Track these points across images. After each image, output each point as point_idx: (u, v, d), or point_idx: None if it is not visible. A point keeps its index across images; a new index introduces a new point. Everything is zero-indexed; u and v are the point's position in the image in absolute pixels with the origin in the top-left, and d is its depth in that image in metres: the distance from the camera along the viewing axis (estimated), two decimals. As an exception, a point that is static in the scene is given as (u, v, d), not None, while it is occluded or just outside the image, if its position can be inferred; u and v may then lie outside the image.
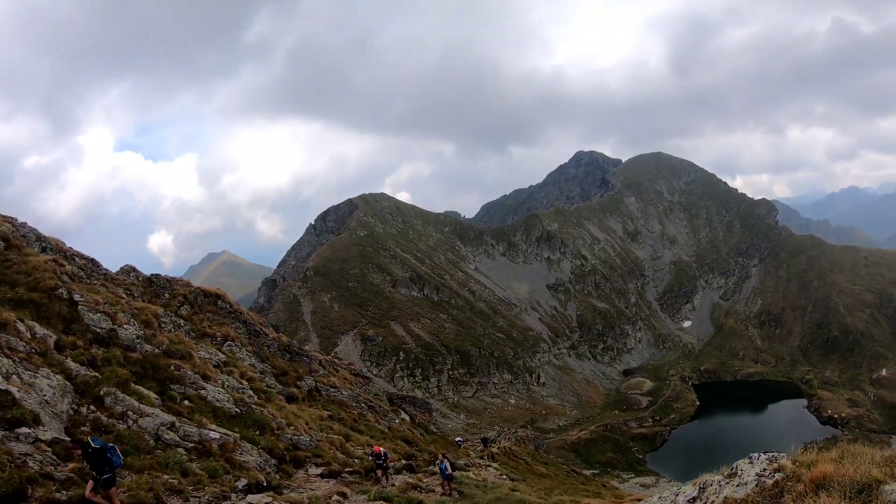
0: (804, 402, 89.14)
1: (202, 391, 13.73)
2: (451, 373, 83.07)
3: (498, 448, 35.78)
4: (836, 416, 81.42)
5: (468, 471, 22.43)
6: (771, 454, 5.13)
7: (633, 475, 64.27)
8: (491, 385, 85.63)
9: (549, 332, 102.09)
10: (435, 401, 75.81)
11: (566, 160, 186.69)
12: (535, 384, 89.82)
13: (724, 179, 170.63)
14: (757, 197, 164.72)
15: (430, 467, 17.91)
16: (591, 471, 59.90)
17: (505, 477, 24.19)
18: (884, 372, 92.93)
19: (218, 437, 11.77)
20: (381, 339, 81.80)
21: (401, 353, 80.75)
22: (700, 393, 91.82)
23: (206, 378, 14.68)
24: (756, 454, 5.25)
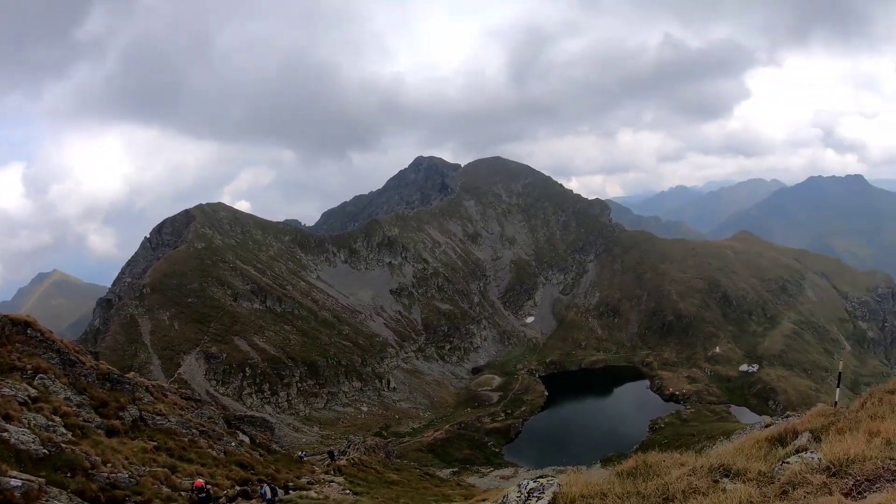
0: (647, 382, 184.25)
1: (4, 434, 21.52)
2: (299, 385, 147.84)
3: (346, 460, 64.10)
4: (677, 392, 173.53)
5: (310, 489, 41.83)
6: (539, 480, 10.82)
7: (491, 469, 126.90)
8: (342, 394, 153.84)
9: (395, 336, 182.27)
10: (286, 415, 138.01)
11: (406, 165, 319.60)
12: (385, 389, 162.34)
13: (559, 181, 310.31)
14: (591, 197, 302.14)
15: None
16: (451, 469, 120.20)
17: (349, 492, 45.35)
18: (717, 349, 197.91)
19: (20, 484, 18.48)
20: (224, 355, 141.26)
21: (247, 368, 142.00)
22: (548, 384, 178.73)
23: (8, 418, 23.29)
24: (525, 482, 10.76)
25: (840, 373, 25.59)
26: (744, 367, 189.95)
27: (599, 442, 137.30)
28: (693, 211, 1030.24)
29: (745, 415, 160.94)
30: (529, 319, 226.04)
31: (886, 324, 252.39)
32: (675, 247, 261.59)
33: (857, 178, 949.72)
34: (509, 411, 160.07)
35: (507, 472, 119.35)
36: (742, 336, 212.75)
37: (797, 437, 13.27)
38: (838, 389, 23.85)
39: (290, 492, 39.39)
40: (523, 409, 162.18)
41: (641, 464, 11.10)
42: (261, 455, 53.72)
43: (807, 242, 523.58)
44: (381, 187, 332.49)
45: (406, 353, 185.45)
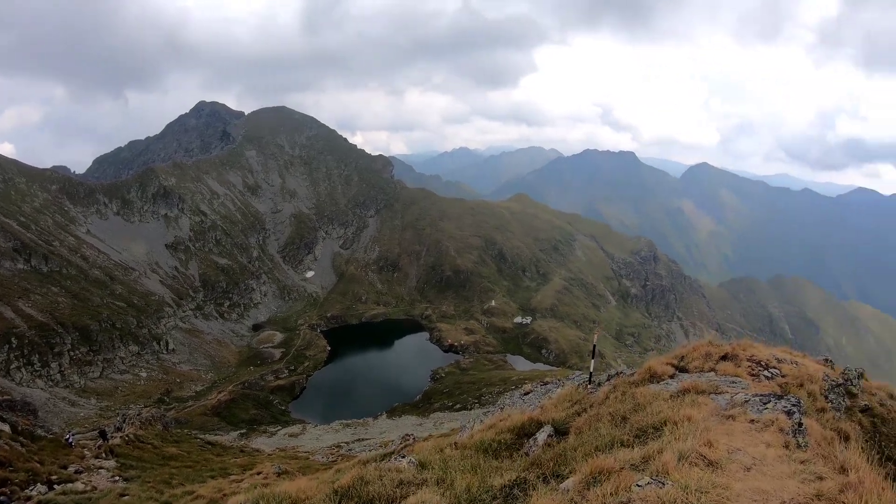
0: (426, 334, 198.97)
1: None
2: (72, 354, 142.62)
3: (121, 438, 60.47)
4: (455, 343, 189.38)
5: (77, 480, 39.36)
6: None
7: (279, 427, 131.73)
8: (118, 361, 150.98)
9: (172, 294, 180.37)
10: (60, 388, 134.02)
11: (187, 110, 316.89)
12: (164, 352, 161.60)
13: (344, 135, 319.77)
14: (375, 153, 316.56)
15: (28, 490, 31.65)
16: (238, 431, 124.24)
17: (118, 478, 43.45)
18: (493, 303, 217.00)
19: None
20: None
21: (13, 339, 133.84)
22: (330, 338, 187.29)
23: None
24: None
25: (594, 346, 28.92)
26: (518, 320, 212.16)
27: (384, 393, 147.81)
28: (474, 172, 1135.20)
29: (519, 362, 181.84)
30: (310, 274, 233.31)
31: (647, 282, 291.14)
32: (454, 205, 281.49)
33: (629, 155, 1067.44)
34: (293, 368, 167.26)
35: (295, 429, 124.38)
36: (517, 291, 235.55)
37: (541, 427, 15.96)
38: (592, 361, 26.90)
39: (55, 487, 37.77)
40: (307, 364, 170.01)
41: (358, 480, 11.97)
42: (23, 445, 49.07)
43: (580, 208, 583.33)
44: (159, 133, 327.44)
45: (184, 311, 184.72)
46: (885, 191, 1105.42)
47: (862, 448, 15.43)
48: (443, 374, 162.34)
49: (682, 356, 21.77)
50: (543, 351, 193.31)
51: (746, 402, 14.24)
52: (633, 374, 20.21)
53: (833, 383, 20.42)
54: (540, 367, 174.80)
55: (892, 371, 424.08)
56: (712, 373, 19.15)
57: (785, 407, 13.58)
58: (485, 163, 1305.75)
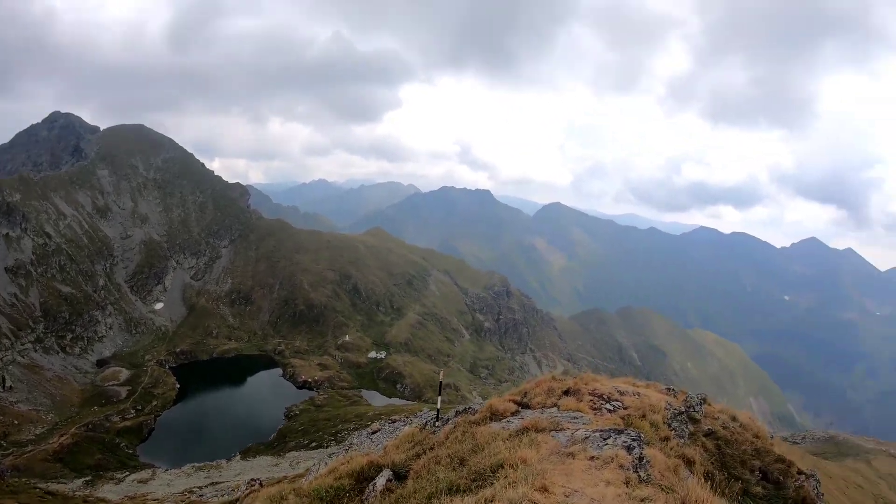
0: (280, 370, 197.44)
1: None
2: None
3: None
4: (309, 379, 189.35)
5: None
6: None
7: (127, 473, 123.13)
8: None
9: (10, 324, 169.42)
10: None
11: (40, 120, 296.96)
12: (1, 390, 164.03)
13: (202, 160, 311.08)
14: (233, 180, 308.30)
15: None
16: (83, 479, 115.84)
17: None
18: (347, 338, 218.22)
19: None
20: None
21: None
22: (179, 375, 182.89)
23: None
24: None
25: (441, 382, 29.73)
26: (373, 354, 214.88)
27: (238, 433, 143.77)
28: (333, 205, 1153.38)
29: (375, 398, 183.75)
30: (158, 306, 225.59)
31: (501, 316, 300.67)
32: (310, 238, 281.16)
33: (485, 193, 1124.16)
34: (140, 407, 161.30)
35: (144, 474, 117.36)
36: (371, 325, 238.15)
37: (381, 471, 16.07)
38: (439, 398, 27.29)
39: None
40: (155, 403, 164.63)
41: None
42: None
43: (436, 243, 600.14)
44: (7, 142, 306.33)
45: (23, 344, 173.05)
46: (725, 229, 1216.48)
47: (707, 471, 18.44)
48: (297, 412, 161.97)
49: (525, 392, 22.69)
50: (399, 385, 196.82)
51: (587, 438, 14.55)
52: (475, 413, 20.19)
53: (676, 411, 21.79)
54: (396, 401, 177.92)
55: (736, 391, 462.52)
56: (555, 408, 19.90)
57: (625, 442, 13.89)
58: (344, 196, 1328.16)
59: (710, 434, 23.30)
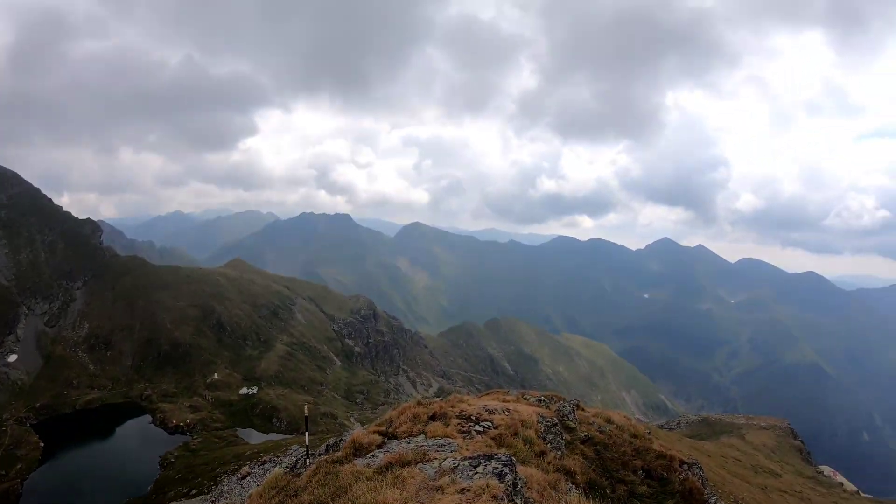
0: (149, 417, 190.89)
1: None
2: None
3: None
4: (181, 423, 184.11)
5: None
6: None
7: None
8: None
9: None
10: None
11: None
12: None
13: (50, 195, 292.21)
14: (83, 216, 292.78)
15: None
16: None
17: None
18: (216, 376, 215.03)
19: None
20: None
21: None
22: (42, 432, 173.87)
23: None
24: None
25: (306, 417, 29.68)
26: (244, 391, 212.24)
27: (112, 490, 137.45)
28: (190, 238, 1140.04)
29: (252, 435, 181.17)
30: (12, 358, 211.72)
31: (370, 340, 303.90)
32: (169, 274, 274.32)
33: (345, 217, 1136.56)
34: (4, 472, 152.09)
35: None
36: (239, 361, 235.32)
37: None
38: (307, 434, 26.40)
39: None
40: (19, 466, 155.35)
41: None
42: None
43: (297, 271, 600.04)
44: None
45: None
46: (583, 237, 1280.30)
47: (590, 479, 19.38)
48: (172, 459, 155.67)
49: (391, 421, 21.56)
50: (274, 420, 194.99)
51: (455, 468, 13.95)
52: (338, 451, 19.16)
53: (549, 423, 22.01)
54: (273, 436, 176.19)
55: (608, 387, 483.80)
56: (422, 436, 19.00)
57: (496, 468, 13.36)
58: (201, 227, 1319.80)
59: (587, 441, 23.89)
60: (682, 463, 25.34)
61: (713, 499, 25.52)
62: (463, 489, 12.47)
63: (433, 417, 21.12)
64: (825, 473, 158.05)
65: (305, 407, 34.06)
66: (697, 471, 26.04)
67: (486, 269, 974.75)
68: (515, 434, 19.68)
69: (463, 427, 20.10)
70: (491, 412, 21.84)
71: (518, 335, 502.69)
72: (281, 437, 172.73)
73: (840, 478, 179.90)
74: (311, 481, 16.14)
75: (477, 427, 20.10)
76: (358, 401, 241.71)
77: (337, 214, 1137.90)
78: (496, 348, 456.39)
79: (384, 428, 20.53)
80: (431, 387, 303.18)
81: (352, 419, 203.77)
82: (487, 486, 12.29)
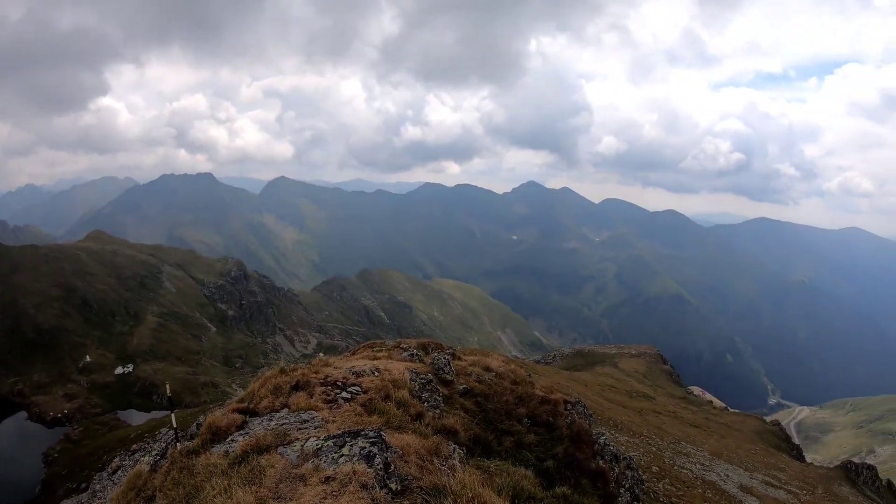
0: (24, 413, 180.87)
1: None
2: None
3: None
4: (59, 414, 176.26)
5: None
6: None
7: None
8: None
9: None
10: None
11: None
12: None
13: None
14: None
15: None
16: None
17: None
18: (88, 358, 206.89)
19: None
20: None
21: None
22: None
23: None
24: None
25: (169, 397, 25.81)
26: (119, 370, 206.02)
27: None
28: (44, 212, 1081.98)
29: (134, 416, 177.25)
30: None
31: (243, 302, 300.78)
32: (26, 254, 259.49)
33: (207, 176, 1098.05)
34: None
35: None
36: (110, 339, 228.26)
37: None
38: (172, 415, 23.85)
39: None
40: None
41: None
42: None
43: (162, 237, 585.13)
44: None
45: None
46: (449, 183, 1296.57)
47: (473, 435, 18.65)
48: (56, 454, 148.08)
49: (252, 395, 19.71)
50: (154, 397, 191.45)
51: (319, 450, 12.70)
52: (194, 442, 16.40)
53: (424, 380, 20.52)
54: (156, 414, 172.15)
55: (483, 328, 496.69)
56: (285, 410, 17.38)
57: (363, 448, 12.24)
58: (55, 199, 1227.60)
59: (466, 393, 22.37)
60: (567, 403, 25.08)
61: (602, 438, 25.37)
62: (328, 477, 11.39)
63: (296, 387, 19.14)
64: (695, 393, 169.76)
65: (167, 386, 31.56)
66: (581, 409, 26.24)
67: (354, 220, 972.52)
68: (387, 397, 18.21)
69: (329, 395, 18.39)
70: (359, 375, 20.08)
71: (390, 284, 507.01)
72: (163, 413, 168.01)
73: (709, 396, 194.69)
74: (165, 480, 14.49)
75: (344, 394, 18.40)
76: (237, 366, 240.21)
77: (199, 174, 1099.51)
78: (370, 299, 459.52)
79: (245, 404, 18.43)
80: (310, 343, 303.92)
81: (234, 385, 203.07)
82: (354, 473, 11.30)
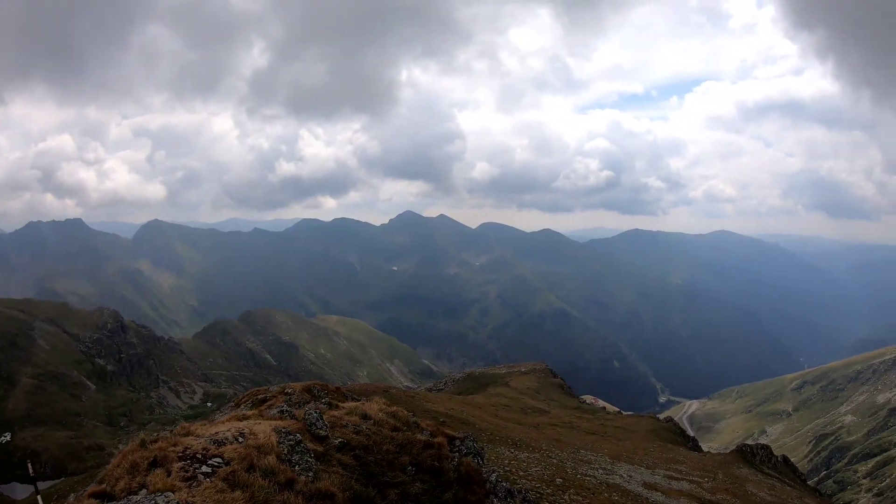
0: None
1: None
2: None
3: None
4: None
5: None
6: None
7: None
8: None
9: None
10: None
11: None
12: None
13: None
14: None
15: None
16: None
17: None
18: None
19: None
20: None
21: None
22: None
23: None
24: None
25: (33, 476, 24.70)
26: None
27: None
28: None
29: (17, 489, 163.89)
30: None
31: (122, 355, 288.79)
32: None
33: (77, 222, 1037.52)
34: None
35: None
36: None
37: None
38: (39, 497, 22.14)
39: None
40: None
41: None
42: None
43: (31, 290, 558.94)
44: None
45: None
46: (327, 218, 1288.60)
47: (354, 494, 17.55)
48: None
49: (109, 475, 17.25)
50: (36, 466, 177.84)
51: None
52: None
53: (294, 440, 19.04)
54: (41, 485, 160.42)
55: (372, 361, 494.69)
56: (143, 491, 15.50)
57: None
58: None
59: (343, 447, 20.76)
60: (453, 442, 24.07)
61: (493, 476, 24.67)
62: None
63: (155, 463, 16.97)
64: (588, 402, 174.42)
65: (28, 465, 29.84)
66: (471, 444, 25.20)
67: (232, 261, 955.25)
68: (251, 467, 16.46)
69: (188, 471, 16.31)
70: (220, 443, 18.06)
71: (274, 324, 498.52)
72: (50, 483, 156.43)
73: (602, 403, 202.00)
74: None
75: (204, 468, 16.36)
76: (122, 424, 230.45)
77: (68, 220, 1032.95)
78: (255, 341, 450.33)
79: (103, 486, 16.18)
80: (196, 393, 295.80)
81: (120, 446, 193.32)
82: None
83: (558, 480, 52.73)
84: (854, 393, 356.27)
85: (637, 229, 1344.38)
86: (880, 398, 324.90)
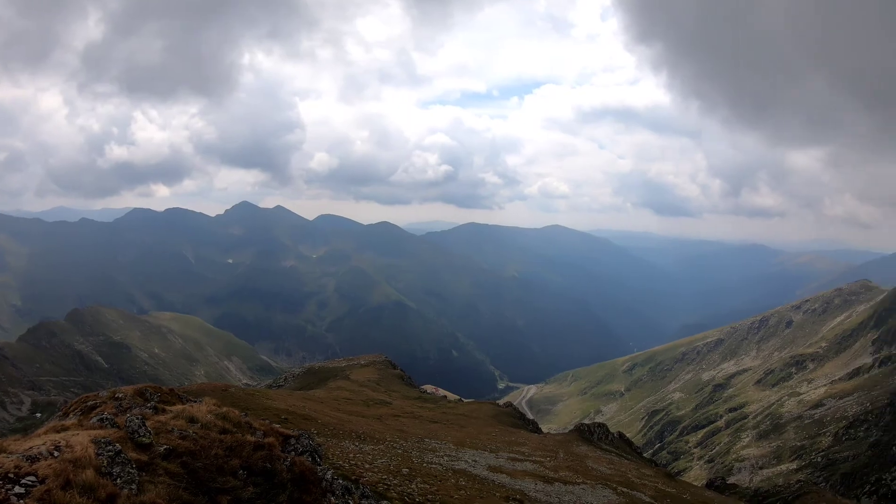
0: None
1: None
2: None
3: None
4: None
5: None
6: None
7: None
8: None
9: None
10: None
11: None
12: None
13: None
14: None
15: None
16: None
17: None
18: None
19: None
20: None
21: None
22: None
23: None
24: None
25: None
26: None
27: None
28: None
29: None
30: None
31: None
32: None
33: None
34: None
35: None
36: None
37: None
38: None
39: None
40: None
41: None
42: None
43: None
44: None
45: None
46: (159, 207, 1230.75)
47: (183, 501, 16.36)
48: None
49: None
50: None
51: None
52: None
53: (114, 451, 17.37)
54: None
55: (209, 359, 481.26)
56: None
57: None
58: None
59: (170, 454, 19.45)
60: (287, 439, 23.52)
61: (328, 474, 24.14)
62: None
63: None
64: (429, 391, 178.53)
65: None
66: (307, 441, 24.49)
67: (58, 253, 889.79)
68: (67, 484, 14.45)
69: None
70: (34, 460, 15.73)
71: (104, 323, 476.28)
72: None
73: (442, 391, 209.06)
74: None
75: (17, 489, 14.24)
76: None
77: None
78: (84, 342, 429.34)
79: None
80: (24, 403, 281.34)
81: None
82: None
83: (405, 470, 54.18)
84: (681, 372, 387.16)
85: (473, 223, 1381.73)
86: (705, 376, 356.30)
